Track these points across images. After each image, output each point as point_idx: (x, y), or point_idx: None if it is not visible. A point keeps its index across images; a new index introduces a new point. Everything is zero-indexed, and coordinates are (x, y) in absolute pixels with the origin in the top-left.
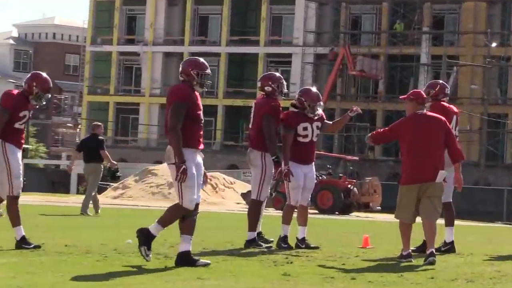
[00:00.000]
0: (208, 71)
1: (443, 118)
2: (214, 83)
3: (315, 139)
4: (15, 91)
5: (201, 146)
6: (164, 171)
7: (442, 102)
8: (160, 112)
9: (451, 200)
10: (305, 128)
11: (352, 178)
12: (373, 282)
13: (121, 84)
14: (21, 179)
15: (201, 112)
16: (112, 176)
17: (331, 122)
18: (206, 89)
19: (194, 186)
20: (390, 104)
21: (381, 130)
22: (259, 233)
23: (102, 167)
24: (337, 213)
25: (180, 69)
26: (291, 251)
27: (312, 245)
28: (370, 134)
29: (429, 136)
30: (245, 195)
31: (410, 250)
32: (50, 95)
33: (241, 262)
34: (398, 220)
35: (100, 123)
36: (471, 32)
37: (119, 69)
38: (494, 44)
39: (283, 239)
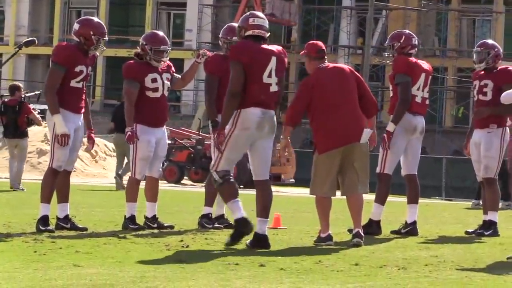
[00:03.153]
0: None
1: (349, 68)
2: None
3: (166, 93)
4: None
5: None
6: (33, 136)
7: (408, 57)
8: (27, 65)
9: (416, 173)
10: (154, 80)
11: None
12: (285, 269)
13: None
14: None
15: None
16: None
17: (179, 76)
18: None
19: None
20: None
21: (291, 105)
22: (222, 215)
23: None
24: (241, 187)
25: None
26: (187, 233)
27: (166, 224)
28: (286, 118)
29: (341, 90)
30: None
31: (330, 232)
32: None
33: (127, 246)
34: (311, 196)
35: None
36: None
37: None
38: None
39: (131, 219)
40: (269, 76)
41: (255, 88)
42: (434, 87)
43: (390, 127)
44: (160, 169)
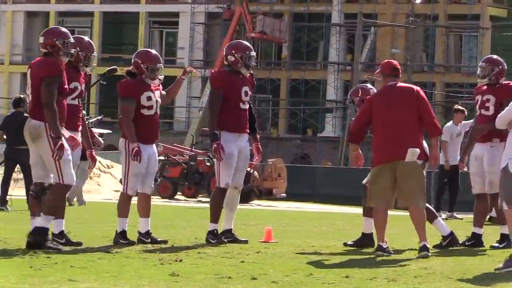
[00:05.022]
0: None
1: (416, 88)
2: None
3: (158, 111)
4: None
5: None
6: None
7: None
8: (22, 83)
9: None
10: (149, 98)
11: (252, 160)
12: (277, 282)
13: None
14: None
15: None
16: None
17: (164, 92)
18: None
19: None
20: (296, 72)
21: (353, 121)
22: (229, 230)
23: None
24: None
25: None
26: (180, 248)
27: (159, 239)
28: (347, 136)
29: (397, 109)
30: None
31: (386, 243)
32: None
33: (121, 260)
34: (302, 210)
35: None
36: None
37: None
38: (418, 1)
39: (122, 234)
40: (28, 88)
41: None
42: None
43: None
44: (152, 186)
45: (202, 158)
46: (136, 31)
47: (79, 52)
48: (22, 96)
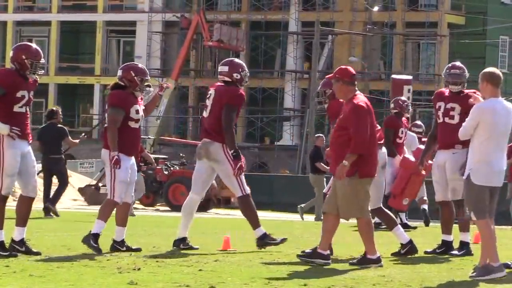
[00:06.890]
0: None
1: None
2: (44, 57)
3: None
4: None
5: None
6: None
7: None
8: None
9: (381, 205)
10: (137, 111)
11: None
12: None
13: None
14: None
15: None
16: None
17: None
18: None
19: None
20: (253, 80)
21: (358, 134)
22: (185, 238)
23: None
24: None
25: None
26: (138, 255)
27: (134, 247)
28: (357, 146)
29: (372, 124)
30: (83, 190)
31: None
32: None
33: (79, 269)
34: (260, 218)
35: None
36: None
37: None
38: (376, 8)
39: (95, 236)
40: None
41: None
42: (380, 110)
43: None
44: (133, 195)
45: (160, 167)
46: (93, 40)
47: (26, 60)
48: (54, 108)
